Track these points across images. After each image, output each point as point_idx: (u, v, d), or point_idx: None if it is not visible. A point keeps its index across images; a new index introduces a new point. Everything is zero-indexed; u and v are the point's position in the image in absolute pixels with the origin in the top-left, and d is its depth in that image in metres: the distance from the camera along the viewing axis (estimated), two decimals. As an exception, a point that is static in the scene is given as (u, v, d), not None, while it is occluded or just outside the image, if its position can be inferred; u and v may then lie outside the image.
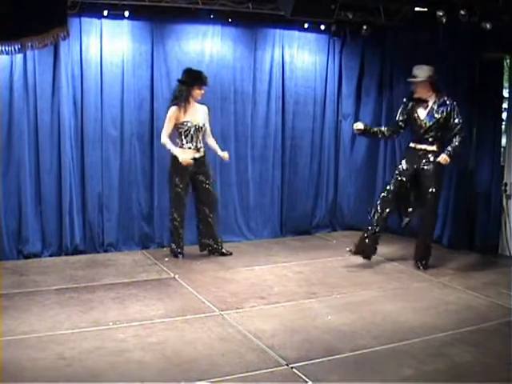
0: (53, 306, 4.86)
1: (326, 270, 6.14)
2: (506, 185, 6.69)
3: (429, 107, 6.01)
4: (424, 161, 6.03)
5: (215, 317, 4.77)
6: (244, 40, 7.12)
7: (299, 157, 7.62)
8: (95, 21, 6.35)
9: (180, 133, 6.15)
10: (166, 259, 6.36)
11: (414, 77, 5.97)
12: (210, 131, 6.37)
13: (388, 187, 6.23)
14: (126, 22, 6.49)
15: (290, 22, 6.87)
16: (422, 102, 6.03)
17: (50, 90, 6.23)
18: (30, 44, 4.32)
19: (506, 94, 6.77)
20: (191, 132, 6.13)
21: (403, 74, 7.34)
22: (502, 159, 6.78)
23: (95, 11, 6.26)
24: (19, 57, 5.90)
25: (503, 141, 6.78)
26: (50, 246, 6.38)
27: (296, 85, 7.49)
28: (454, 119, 5.92)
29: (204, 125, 6.23)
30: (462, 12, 6.02)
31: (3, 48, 4.21)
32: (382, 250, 6.92)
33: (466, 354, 4.14)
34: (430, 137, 6.01)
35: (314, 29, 7.40)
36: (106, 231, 6.62)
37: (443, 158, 5.87)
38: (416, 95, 6.05)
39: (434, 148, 6.01)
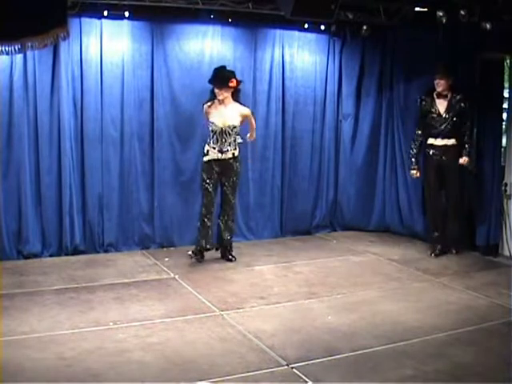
0: (53, 306, 4.86)
1: (326, 270, 6.14)
2: (506, 185, 6.68)
3: (447, 102, 6.45)
4: (447, 156, 6.47)
5: (215, 317, 4.77)
6: (244, 40, 7.12)
7: (299, 157, 7.61)
8: (95, 21, 6.35)
9: (209, 131, 6.11)
10: (166, 259, 6.36)
11: (439, 73, 6.40)
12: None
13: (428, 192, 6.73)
14: (126, 22, 6.48)
15: (290, 22, 6.85)
16: (442, 97, 6.47)
17: (49, 90, 6.22)
18: (29, 44, 4.30)
19: (506, 94, 6.76)
20: (216, 134, 6.04)
21: (403, 74, 7.39)
22: (502, 159, 6.77)
23: (95, 11, 6.25)
24: (19, 57, 5.90)
25: (503, 141, 6.78)
26: (50, 246, 6.38)
27: (296, 85, 7.48)
28: (465, 121, 6.45)
29: (235, 127, 6.08)
30: (462, 12, 6.02)
31: (3, 48, 4.20)
32: (382, 250, 6.94)
33: (466, 354, 4.14)
34: (448, 131, 6.42)
35: (314, 29, 7.40)
36: (105, 231, 6.62)
37: (465, 160, 6.43)
38: (438, 90, 6.44)
39: (453, 142, 6.46)
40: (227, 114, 6.07)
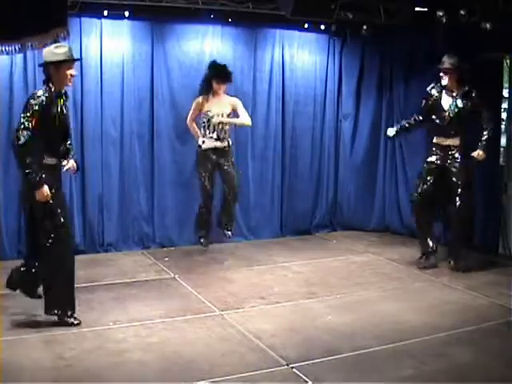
0: (53, 306, 4.85)
1: (326, 270, 6.14)
2: (506, 185, 6.68)
3: (453, 97, 5.95)
4: (450, 158, 5.97)
5: (215, 317, 4.77)
6: (244, 40, 7.12)
7: (299, 157, 7.62)
8: (95, 21, 6.35)
9: (203, 122, 6.25)
10: (166, 259, 6.37)
11: (443, 64, 5.90)
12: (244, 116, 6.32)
13: (419, 190, 6.12)
14: (125, 21, 6.49)
15: (290, 22, 6.85)
16: (448, 91, 5.96)
17: (49, 90, 6.22)
18: (29, 44, 4.30)
19: (505, 94, 6.76)
20: (212, 122, 6.21)
21: (403, 74, 7.39)
22: (501, 159, 6.77)
23: (95, 11, 6.25)
24: (19, 57, 5.90)
25: (503, 141, 6.78)
26: (50, 245, 6.37)
27: (296, 85, 7.49)
28: (482, 110, 5.86)
29: (229, 114, 6.27)
30: (462, 12, 6.03)
31: (3, 48, 4.20)
32: (382, 250, 6.95)
33: (466, 354, 4.14)
34: (453, 129, 5.94)
35: (314, 29, 7.40)
36: (106, 231, 6.62)
37: (479, 154, 5.81)
38: (443, 83, 5.94)
39: (457, 142, 5.94)
40: (222, 102, 6.26)
